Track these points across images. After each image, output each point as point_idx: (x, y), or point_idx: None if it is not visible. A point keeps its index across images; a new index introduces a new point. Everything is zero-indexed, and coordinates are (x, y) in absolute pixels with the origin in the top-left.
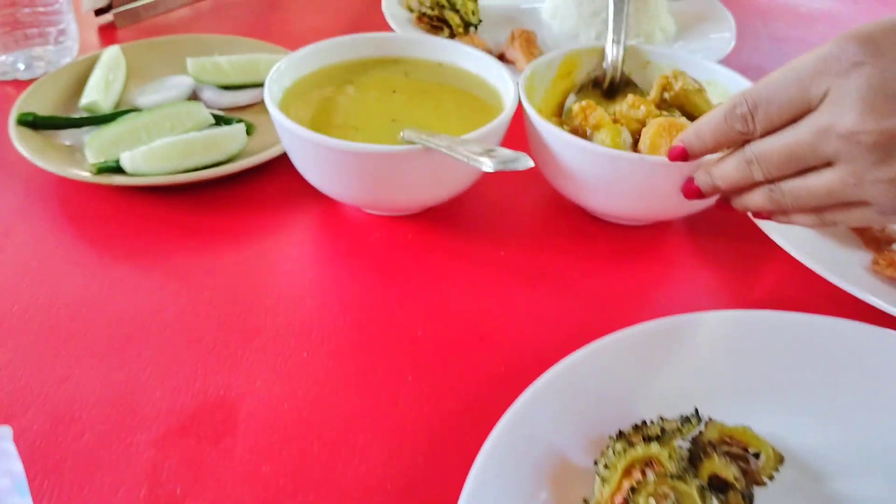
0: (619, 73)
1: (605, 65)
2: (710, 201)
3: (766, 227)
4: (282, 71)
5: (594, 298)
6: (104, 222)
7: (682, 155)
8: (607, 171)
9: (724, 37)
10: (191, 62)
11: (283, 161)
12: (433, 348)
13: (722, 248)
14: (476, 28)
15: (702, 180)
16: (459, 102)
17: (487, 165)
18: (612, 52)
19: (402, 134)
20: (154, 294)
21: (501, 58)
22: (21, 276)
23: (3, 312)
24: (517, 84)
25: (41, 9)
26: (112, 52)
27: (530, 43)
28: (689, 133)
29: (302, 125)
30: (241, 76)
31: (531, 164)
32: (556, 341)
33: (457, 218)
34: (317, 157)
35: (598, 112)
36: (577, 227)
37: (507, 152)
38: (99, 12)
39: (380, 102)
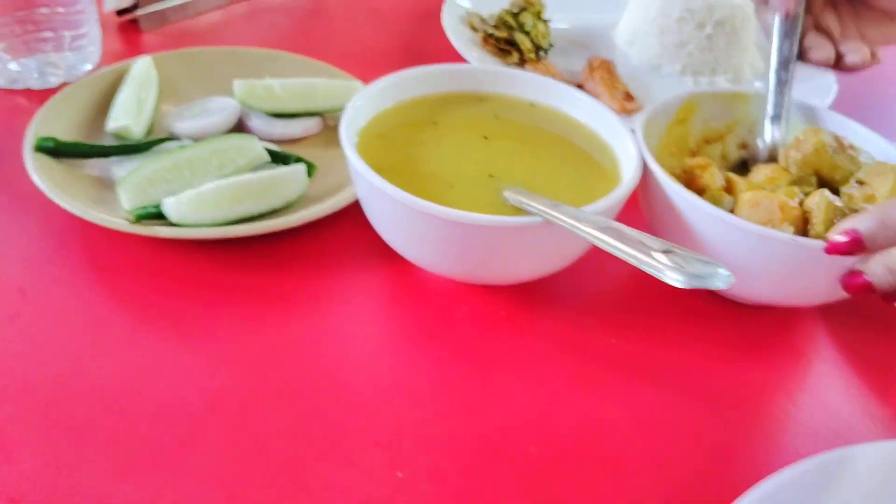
0: (778, 155)
1: (759, 143)
2: None
3: None
4: (357, 109)
5: (728, 401)
6: (140, 280)
7: (855, 246)
8: (754, 253)
9: (826, 79)
10: (238, 85)
11: (349, 209)
12: (553, 472)
13: (862, 337)
14: (546, 53)
15: (880, 277)
16: (561, 154)
17: (676, 280)
18: (773, 133)
19: (505, 195)
20: (205, 381)
21: (580, 88)
22: (40, 349)
23: (15, 402)
24: (635, 140)
25: (60, 9)
26: (143, 66)
27: (612, 75)
28: (871, 222)
29: (386, 177)
30: (296, 103)
31: (731, 280)
32: (698, 462)
33: (557, 292)
34: (409, 223)
35: (711, 172)
36: (696, 306)
37: (696, 261)
38: (121, 13)
39: (471, 150)
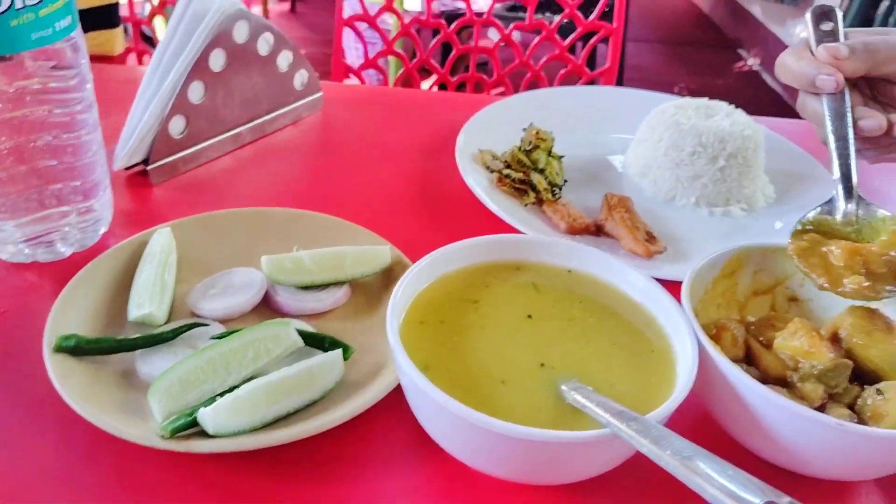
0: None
1: (838, 215)
2: None
3: None
4: (398, 299)
5: None
6: (174, 496)
7: None
8: (827, 442)
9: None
10: (267, 261)
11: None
12: None
13: None
14: (561, 189)
15: None
16: (609, 331)
17: None
18: (846, 207)
19: (562, 390)
20: None
21: (600, 229)
22: None
23: None
24: (683, 314)
25: (75, 183)
26: (162, 239)
27: (630, 213)
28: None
29: (434, 374)
30: (326, 274)
31: None
32: None
33: (612, 485)
34: (464, 433)
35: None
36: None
37: None
38: (130, 166)
39: (517, 334)
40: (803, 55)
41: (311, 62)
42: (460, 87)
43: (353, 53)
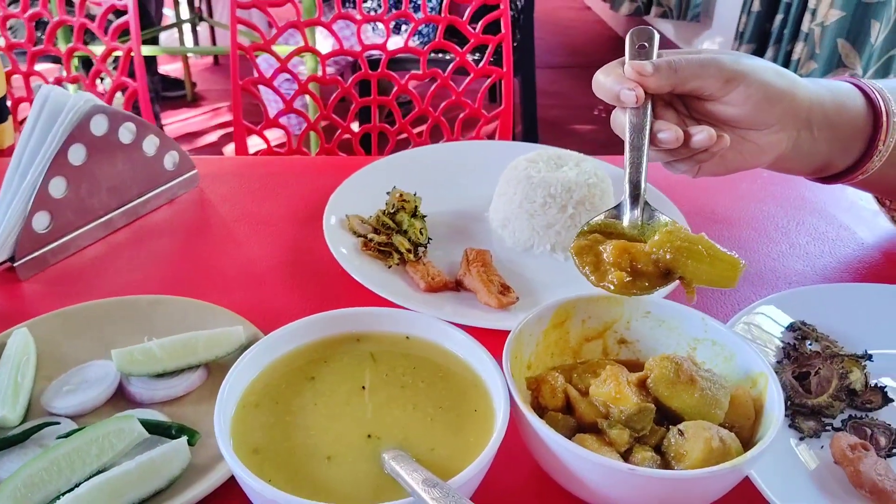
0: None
1: (624, 220)
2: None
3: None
4: (232, 384)
5: None
6: None
7: None
8: (626, 486)
9: None
10: (116, 354)
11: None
12: None
13: None
14: (426, 247)
15: None
16: (437, 397)
17: None
18: (632, 214)
19: (383, 459)
20: None
21: (459, 284)
22: None
23: None
24: (503, 376)
25: None
26: (19, 340)
27: (487, 267)
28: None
29: (263, 458)
30: (177, 360)
31: None
32: None
33: None
34: None
35: (550, 389)
36: None
37: None
38: None
39: (350, 407)
40: (612, 72)
41: (237, 114)
42: (364, 137)
43: (273, 106)
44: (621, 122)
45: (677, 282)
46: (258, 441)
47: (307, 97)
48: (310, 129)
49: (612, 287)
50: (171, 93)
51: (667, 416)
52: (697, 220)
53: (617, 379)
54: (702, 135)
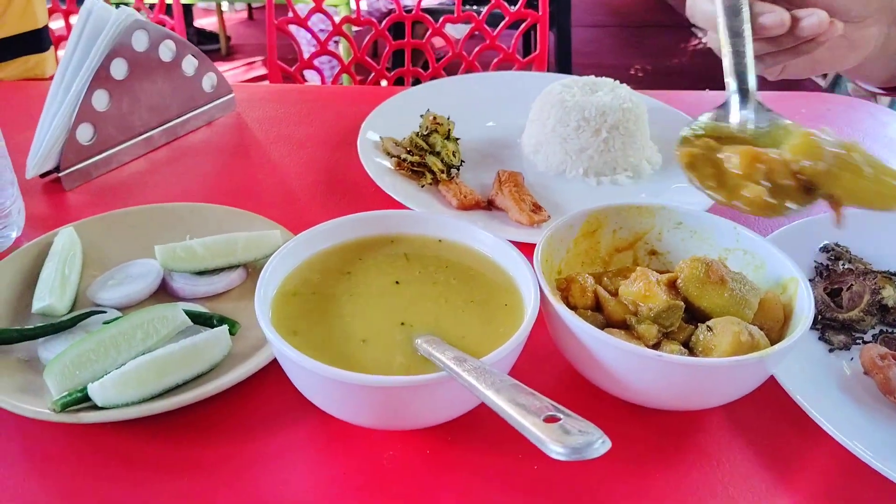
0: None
1: (733, 120)
2: (757, 385)
3: (809, 405)
4: (272, 271)
5: None
6: (72, 465)
7: None
8: (653, 373)
9: None
10: (160, 250)
11: (271, 365)
12: None
13: (762, 427)
14: (458, 169)
15: None
16: (468, 292)
17: (557, 453)
18: (741, 112)
19: (416, 343)
20: None
21: (491, 204)
22: None
23: None
24: (533, 273)
25: None
26: (65, 237)
27: (519, 187)
28: None
29: (302, 339)
30: (218, 260)
31: (608, 446)
32: None
33: (475, 425)
34: (322, 388)
35: (580, 288)
36: (609, 415)
37: (577, 431)
38: (44, 174)
39: (384, 298)
40: None
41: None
42: (398, 81)
43: (307, 50)
44: (705, 10)
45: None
46: (297, 325)
47: (340, 47)
48: (343, 72)
49: (747, 207)
50: (205, 46)
51: (695, 317)
52: None
53: (647, 278)
54: (812, 18)
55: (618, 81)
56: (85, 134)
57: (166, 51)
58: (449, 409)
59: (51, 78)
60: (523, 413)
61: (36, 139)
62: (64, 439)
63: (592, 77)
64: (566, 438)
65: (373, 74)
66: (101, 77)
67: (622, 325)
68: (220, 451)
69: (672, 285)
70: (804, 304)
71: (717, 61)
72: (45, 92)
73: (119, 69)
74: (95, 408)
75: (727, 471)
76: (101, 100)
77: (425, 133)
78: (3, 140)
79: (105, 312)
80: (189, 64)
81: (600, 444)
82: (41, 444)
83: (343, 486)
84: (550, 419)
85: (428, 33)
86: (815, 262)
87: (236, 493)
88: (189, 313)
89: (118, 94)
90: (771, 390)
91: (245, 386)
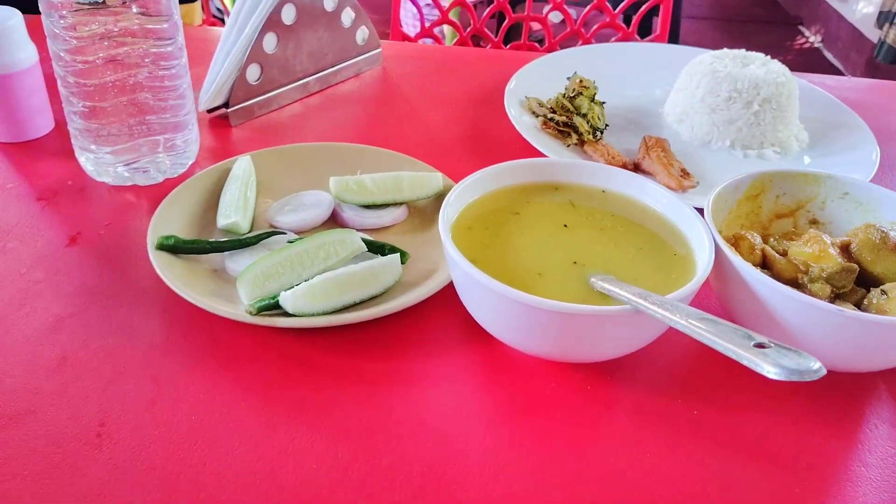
0: None
1: None
2: None
3: None
4: (449, 205)
5: (815, 474)
6: (260, 365)
7: None
8: (829, 329)
9: (867, 151)
10: (334, 181)
11: (440, 292)
12: None
13: None
14: (602, 133)
15: None
16: (637, 240)
17: (775, 373)
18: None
19: (591, 281)
20: (328, 458)
21: (637, 167)
22: (175, 433)
23: (163, 485)
24: (705, 226)
25: (170, 118)
26: (244, 164)
27: (667, 153)
28: None
29: (481, 268)
30: (385, 195)
31: (823, 372)
32: None
33: (636, 365)
34: (507, 312)
35: (748, 246)
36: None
37: (789, 355)
38: (212, 110)
39: (555, 240)
40: None
41: (393, 32)
42: None
43: (410, 24)
44: None
45: None
46: (474, 255)
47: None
48: (461, 42)
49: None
50: None
51: (867, 282)
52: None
53: (821, 241)
54: None
55: (768, 57)
56: (253, 74)
57: (330, 0)
58: (628, 342)
59: (197, 28)
60: (731, 339)
61: (209, 76)
62: (251, 342)
63: (742, 50)
64: (783, 360)
65: (489, 45)
66: (272, 20)
67: (791, 283)
68: (393, 364)
69: (845, 249)
70: None
71: (824, 61)
72: (206, 36)
73: (289, 14)
74: (283, 315)
75: (884, 430)
76: (270, 42)
77: (572, 95)
78: (189, 76)
79: (286, 234)
80: (347, 16)
81: (819, 367)
82: (231, 344)
83: (510, 408)
84: (759, 345)
85: (548, 8)
86: None
87: (407, 402)
88: (363, 241)
89: (285, 38)
90: None
91: (417, 310)
